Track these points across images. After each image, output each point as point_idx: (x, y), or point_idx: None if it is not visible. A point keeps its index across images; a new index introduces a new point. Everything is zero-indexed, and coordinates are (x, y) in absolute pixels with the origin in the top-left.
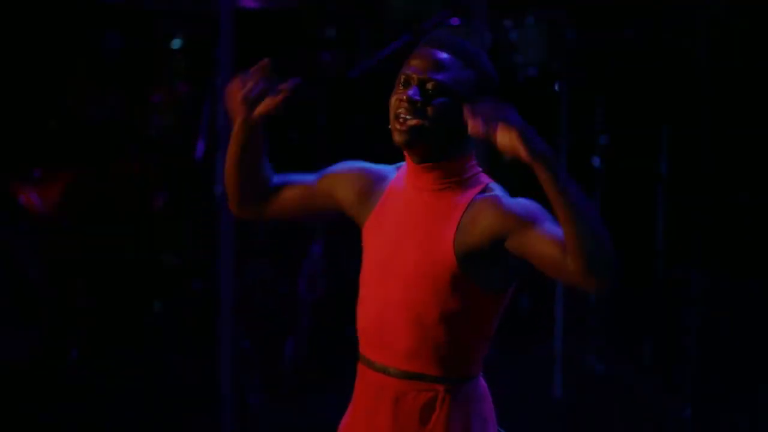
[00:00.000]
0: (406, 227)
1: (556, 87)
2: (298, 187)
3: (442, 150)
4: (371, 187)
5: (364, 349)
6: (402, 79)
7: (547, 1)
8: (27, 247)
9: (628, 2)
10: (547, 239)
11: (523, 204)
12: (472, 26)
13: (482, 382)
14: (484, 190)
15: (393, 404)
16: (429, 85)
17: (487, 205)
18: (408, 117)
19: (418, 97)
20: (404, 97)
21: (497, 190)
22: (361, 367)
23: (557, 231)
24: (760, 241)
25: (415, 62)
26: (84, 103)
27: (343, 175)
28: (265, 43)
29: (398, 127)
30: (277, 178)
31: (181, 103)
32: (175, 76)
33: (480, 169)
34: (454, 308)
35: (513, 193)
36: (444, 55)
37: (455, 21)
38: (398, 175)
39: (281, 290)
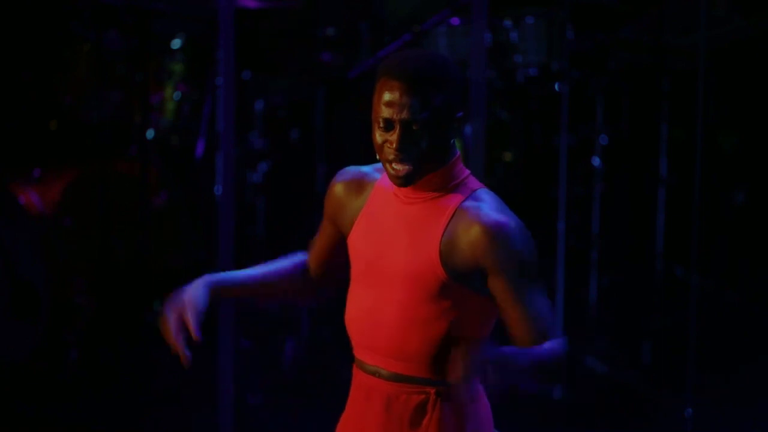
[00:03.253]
0: (393, 231)
1: (556, 87)
2: (320, 248)
3: (430, 167)
4: (350, 200)
5: (357, 350)
6: (381, 121)
7: (547, 1)
8: (27, 247)
9: (628, 2)
10: (516, 318)
11: (514, 256)
12: (473, 26)
13: (477, 383)
14: (470, 197)
15: (384, 406)
16: (413, 126)
17: (477, 231)
18: (400, 163)
19: (405, 144)
20: (394, 146)
21: (485, 197)
22: (355, 369)
23: (531, 309)
24: (759, 242)
25: (390, 101)
26: (84, 103)
27: (329, 208)
28: (265, 43)
29: (392, 173)
30: (307, 258)
31: (181, 103)
32: (175, 76)
33: (468, 173)
34: (444, 311)
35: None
36: (417, 89)
37: (455, 21)
38: (384, 176)
39: None
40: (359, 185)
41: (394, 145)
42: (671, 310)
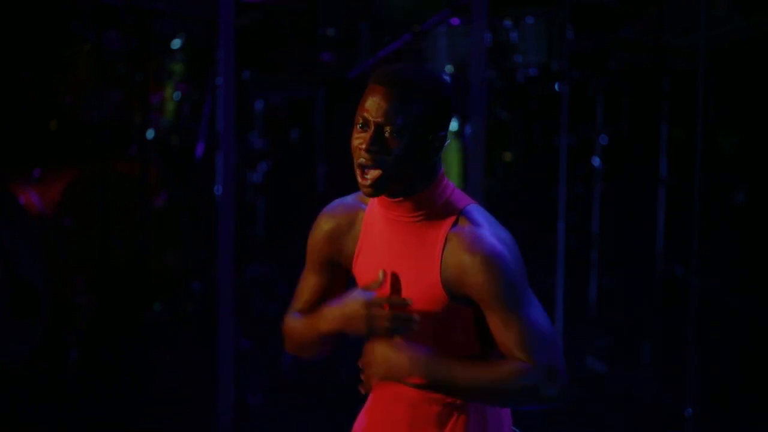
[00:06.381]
0: (392, 260)
1: (556, 87)
2: (316, 299)
3: (410, 186)
4: (343, 236)
5: None
6: (360, 122)
7: (547, 1)
8: (27, 247)
9: (628, 2)
10: (503, 342)
11: (502, 288)
12: (473, 26)
13: None
14: (460, 217)
15: (409, 410)
16: (386, 130)
17: (467, 265)
18: (369, 166)
19: (376, 146)
20: (363, 146)
21: (475, 217)
22: None
23: (518, 336)
24: (759, 242)
25: (369, 105)
26: (84, 103)
27: (322, 250)
28: (266, 43)
29: (360, 180)
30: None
31: (181, 103)
32: (175, 76)
33: (452, 188)
34: (458, 328)
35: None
36: (397, 94)
37: (455, 21)
38: (370, 204)
39: (280, 291)
40: (348, 219)
41: (364, 146)
42: (671, 310)
